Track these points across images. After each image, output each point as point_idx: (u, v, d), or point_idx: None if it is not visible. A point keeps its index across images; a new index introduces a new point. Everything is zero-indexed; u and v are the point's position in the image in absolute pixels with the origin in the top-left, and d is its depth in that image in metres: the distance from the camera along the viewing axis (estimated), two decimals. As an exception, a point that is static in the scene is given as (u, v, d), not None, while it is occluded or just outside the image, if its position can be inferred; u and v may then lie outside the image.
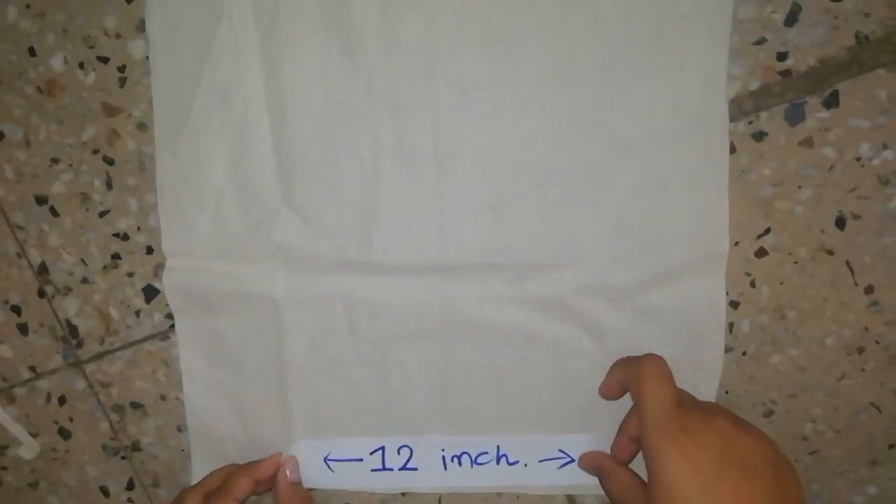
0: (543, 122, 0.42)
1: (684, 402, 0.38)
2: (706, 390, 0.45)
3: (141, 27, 0.44)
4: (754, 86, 0.41)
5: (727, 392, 0.47)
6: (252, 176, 0.45)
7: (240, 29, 0.42)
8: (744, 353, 0.46)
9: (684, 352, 0.45)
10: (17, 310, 0.50)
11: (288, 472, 0.48)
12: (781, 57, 0.41)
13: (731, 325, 0.45)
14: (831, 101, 0.41)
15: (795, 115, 0.42)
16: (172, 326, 0.49)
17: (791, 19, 0.40)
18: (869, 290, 0.45)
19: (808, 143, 0.42)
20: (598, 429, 0.46)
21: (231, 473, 0.46)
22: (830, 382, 0.47)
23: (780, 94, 0.41)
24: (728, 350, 0.46)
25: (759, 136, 0.42)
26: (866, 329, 0.45)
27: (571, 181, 0.42)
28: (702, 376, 0.45)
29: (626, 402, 0.42)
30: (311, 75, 0.42)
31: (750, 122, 0.42)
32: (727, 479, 0.34)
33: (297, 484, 0.48)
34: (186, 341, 0.49)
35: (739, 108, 0.42)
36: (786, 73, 0.41)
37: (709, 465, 0.34)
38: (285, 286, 0.46)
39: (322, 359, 0.47)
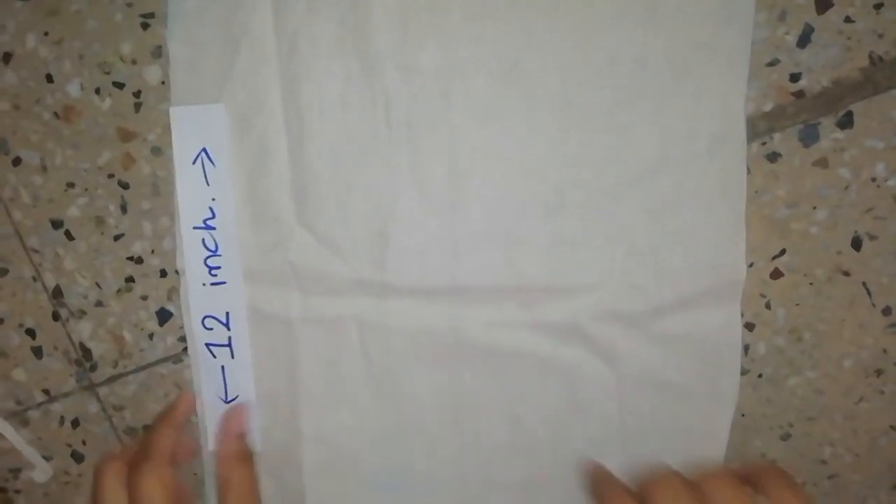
0: (558, 149, 0.42)
1: None
2: (722, 418, 0.45)
3: (157, 53, 0.44)
4: (767, 107, 0.41)
5: (743, 415, 0.46)
6: (268, 196, 0.45)
7: (260, 52, 0.43)
8: (760, 376, 0.46)
9: (700, 379, 0.44)
10: (31, 333, 0.51)
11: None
12: (795, 78, 0.41)
13: (746, 348, 0.45)
14: (845, 122, 0.41)
15: (809, 136, 0.41)
16: (185, 349, 0.49)
17: (804, 40, 0.40)
18: (887, 311, 0.44)
19: (822, 163, 0.42)
20: (610, 456, 0.46)
21: (149, 431, 0.44)
22: (849, 405, 0.46)
23: (794, 115, 0.41)
24: (744, 372, 0.45)
25: (773, 156, 0.42)
26: (885, 351, 0.45)
27: (586, 207, 0.42)
28: (718, 404, 0.45)
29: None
30: (329, 99, 0.43)
31: (763, 143, 0.42)
32: None
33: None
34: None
35: (753, 129, 0.41)
36: (799, 94, 0.41)
37: None
38: (299, 307, 0.46)
39: (334, 383, 0.47)
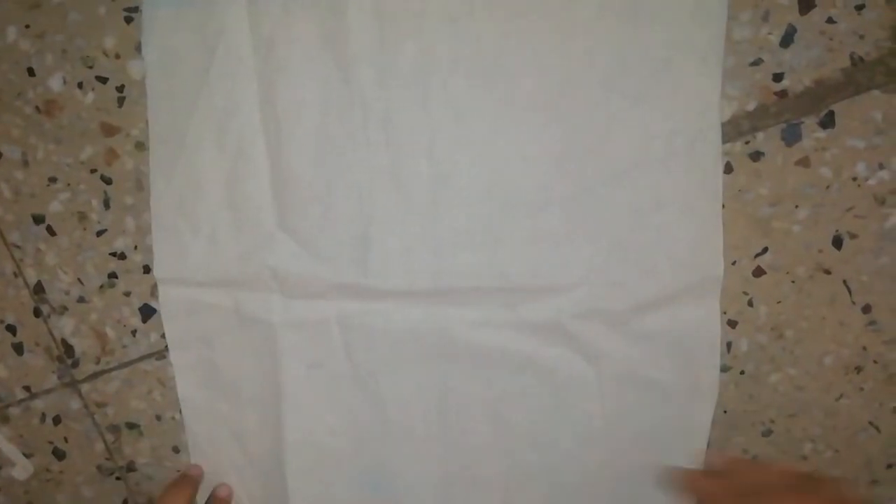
0: (538, 148, 0.42)
1: None
2: (702, 414, 0.45)
3: (140, 48, 0.44)
4: (751, 106, 0.42)
5: (725, 412, 0.47)
6: (247, 200, 0.45)
7: (236, 55, 0.43)
8: (742, 373, 0.46)
9: (680, 376, 0.44)
10: (12, 329, 0.50)
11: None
12: (778, 78, 0.41)
13: (728, 345, 0.45)
14: (827, 122, 0.41)
15: (792, 136, 0.42)
16: (168, 347, 0.49)
17: (787, 41, 0.40)
18: (867, 309, 0.45)
19: (804, 162, 0.42)
20: (592, 453, 0.46)
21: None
22: (829, 402, 0.47)
23: (777, 115, 0.42)
24: (726, 369, 0.46)
25: (756, 155, 0.42)
26: (864, 348, 0.45)
27: (566, 206, 0.42)
28: (698, 400, 0.45)
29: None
30: (306, 101, 0.43)
31: (747, 142, 0.42)
32: None
33: None
34: (183, 372, 0.49)
35: (736, 128, 0.42)
36: (782, 94, 0.41)
37: None
38: (281, 311, 0.46)
39: (318, 385, 0.47)
